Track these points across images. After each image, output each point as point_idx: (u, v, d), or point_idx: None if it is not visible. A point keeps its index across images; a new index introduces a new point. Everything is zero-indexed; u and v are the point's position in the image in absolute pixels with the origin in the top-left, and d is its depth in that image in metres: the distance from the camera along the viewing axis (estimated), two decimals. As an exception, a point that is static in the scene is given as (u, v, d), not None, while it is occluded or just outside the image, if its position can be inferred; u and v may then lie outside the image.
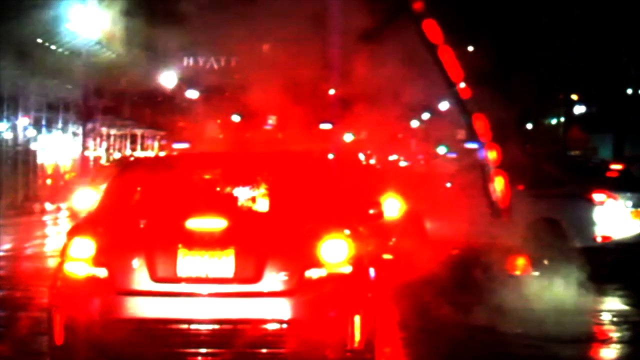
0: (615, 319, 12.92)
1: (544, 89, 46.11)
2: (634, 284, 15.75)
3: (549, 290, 13.62)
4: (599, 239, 16.84)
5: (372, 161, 32.17)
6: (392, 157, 37.65)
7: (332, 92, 31.03)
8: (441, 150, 43.59)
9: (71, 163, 45.98)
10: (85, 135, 44.47)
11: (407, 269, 15.18)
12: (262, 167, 9.36)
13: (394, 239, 16.58)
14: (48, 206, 37.76)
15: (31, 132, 41.64)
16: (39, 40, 37.79)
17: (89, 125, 44.99)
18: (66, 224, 23.37)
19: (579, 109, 51.19)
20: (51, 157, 44.20)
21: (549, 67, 41.82)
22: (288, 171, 9.27)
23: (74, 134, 45.30)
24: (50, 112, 43.08)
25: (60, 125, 44.25)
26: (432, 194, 18.74)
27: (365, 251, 8.32)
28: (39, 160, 42.79)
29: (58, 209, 35.39)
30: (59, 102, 42.85)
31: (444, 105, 48.69)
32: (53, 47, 39.35)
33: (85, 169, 43.30)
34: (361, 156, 28.62)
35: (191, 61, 38.19)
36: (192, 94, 42.24)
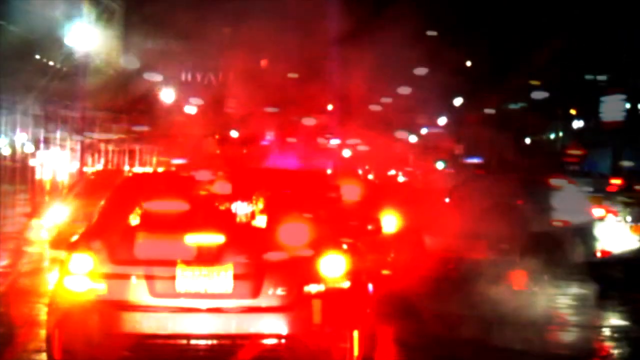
0: (615, 335, 12.89)
1: (541, 102, 46.25)
2: (634, 299, 15.72)
3: (547, 304, 13.60)
4: (598, 254, 16.85)
5: (370, 176, 32.18)
6: (391, 172, 37.67)
7: (330, 108, 31.08)
8: (439, 165, 43.64)
9: (69, 179, 45.94)
10: (83, 151, 44.40)
11: (405, 284, 15.15)
12: (260, 183, 9.33)
13: (392, 255, 16.57)
14: (42, 222, 37.72)
15: (29, 147, 41.62)
16: (37, 57, 37.84)
17: (87, 141, 44.91)
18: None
19: (577, 124, 51.26)
20: (49, 172, 44.20)
21: (547, 81, 41.93)
22: (286, 187, 9.25)
23: (72, 150, 45.30)
24: (48, 128, 43.08)
25: (58, 141, 44.24)
26: (430, 209, 18.73)
27: (363, 266, 8.30)
28: (37, 177, 42.78)
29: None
30: (57, 118, 42.83)
31: (442, 120, 48.94)
32: (51, 63, 39.38)
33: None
34: (359, 172, 28.63)
35: (189, 76, 38.27)
36: (190, 109, 42.27)
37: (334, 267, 7.92)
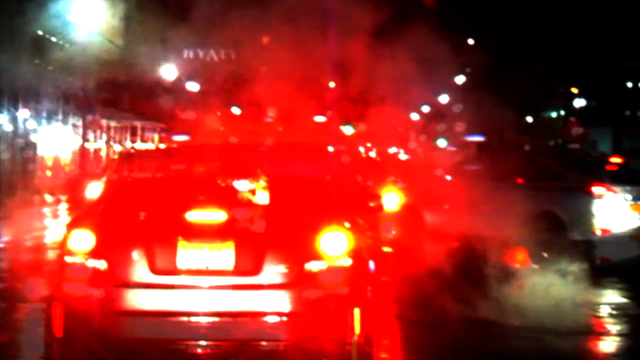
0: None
1: (543, 81, 46.13)
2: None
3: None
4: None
5: (372, 154, 32.27)
6: (392, 150, 37.66)
7: (332, 85, 30.93)
8: (441, 143, 43.65)
9: (71, 155, 46.00)
10: (85, 127, 44.41)
11: (406, 261, 15.20)
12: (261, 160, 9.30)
13: (393, 232, 16.59)
14: (48, 198, 37.88)
15: (31, 124, 41.60)
16: (40, 33, 37.76)
17: (89, 117, 44.85)
18: (67, 216, 23.42)
19: (579, 102, 51.18)
20: (51, 149, 44.19)
21: (549, 60, 41.86)
22: (288, 163, 9.24)
23: (74, 126, 45.26)
24: (51, 104, 42.98)
25: (60, 117, 44.15)
26: (431, 186, 18.84)
27: (365, 244, 8.30)
28: (39, 152, 42.81)
29: (58, 201, 35.51)
30: (59, 94, 42.71)
31: (443, 99, 48.64)
32: (54, 39, 39.32)
33: (85, 161, 43.49)
34: (361, 149, 28.74)
35: (191, 54, 38.04)
36: (193, 86, 42.03)
37: (335, 245, 7.92)
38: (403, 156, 36.05)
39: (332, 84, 28.95)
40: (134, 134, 52.20)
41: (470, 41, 42.78)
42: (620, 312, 12.97)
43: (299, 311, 7.74)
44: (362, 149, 30.31)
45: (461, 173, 19.34)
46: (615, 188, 17.28)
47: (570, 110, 48.86)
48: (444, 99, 47.09)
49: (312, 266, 7.86)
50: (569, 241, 16.73)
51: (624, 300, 14.25)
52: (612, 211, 17.10)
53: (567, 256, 14.65)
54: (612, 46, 41.52)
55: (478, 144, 40.24)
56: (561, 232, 17.12)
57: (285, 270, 7.81)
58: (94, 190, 16.24)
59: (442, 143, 43.57)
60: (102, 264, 7.87)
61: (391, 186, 18.75)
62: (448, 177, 19.69)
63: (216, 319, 7.75)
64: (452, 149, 40.23)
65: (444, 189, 18.95)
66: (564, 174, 18.24)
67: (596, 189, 17.25)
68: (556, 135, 46.34)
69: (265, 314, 7.74)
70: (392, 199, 17.19)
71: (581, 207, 17.30)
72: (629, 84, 46.52)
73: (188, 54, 37.98)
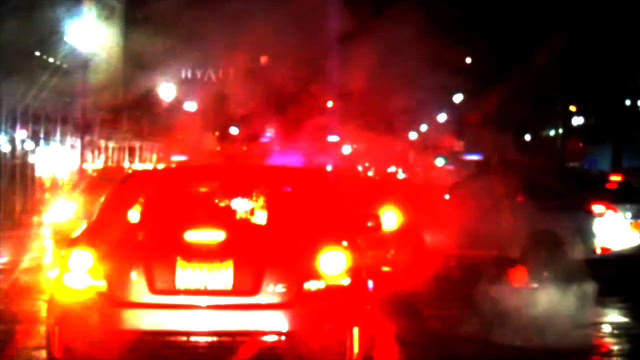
0: (615, 332, 12.87)
1: (541, 99, 46.20)
2: (634, 296, 15.69)
3: (547, 302, 13.56)
4: (598, 251, 16.80)
5: (370, 173, 32.19)
6: (390, 169, 37.71)
7: (330, 104, 30.99)
8: (439, 162, 43.74)
9: (69, 176, 45.95)
10: (83, 147, 44.42)
11: (405, 281, 15.13)
12: (260, 179, 9.29)
13: (392, 251, 16.53)
14: (46, 219, 37.76)
15: (29, 144, 41.60)
16: (37, 54, 37.82)
17: (87, 138, 44.89)
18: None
19: (577, 120, 51.24)
20: (49, 170, 44.18)
21: (547, 77, 41.93)
22: (286, 183, 9.22)
23: (72, 147, 45.29)
24: (48, 125, 43.07)
25: (58, 138, 44.23)
26: (430, 206, 18.70)
27: (364, 263, 8.28)
28: (37, 173, 42.77)
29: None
30: (57, 115, 42.83)
31: (441, 117, 48.92)
32: (51, 60, 39.37)
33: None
34: (359, 168, 28.66)
35: (189, 74, 38.24)
36: (190, 106, 42.19)
37: (334, 264, 7.90)
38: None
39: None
40: (132, 154, 52.39)
41: (468, 60, 42.98)
42: (621, 332, 12.90)
43: (297, 330, 7.74)
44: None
45: (461, 190, 19.18)
46: (616, 206, 17.15)
47: (569, 128, 48.83)
48: (442, 117, 47.23)
49: (310, 285, 7.86)
50: (569, 260, 16.62)
51: (625, 319, 14.18)
52: (612, 230, 16.99)
53: (567, 275, 14.59)
54: (611, 64, 41.52)
55: (477, 162, 40.34)
56: (561, 251, 17.01)
57: (284, 290, 7.81)
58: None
59: (440, 162, 43.70)
60: (101, 284, 7.89)
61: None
62: (447, 196, 19.51)
63: (215, 338, 7.74)
64: (450, 167, 40.32)
65: (442, 206, 18.83)
66: (563, 191, 18.07)
67: (596, 207, 17.11)
68: (555, 153, 46.29)
69: (263, 333, 7.73)
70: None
71: (581, 225, 17.16)
72: (628, 102, 46.52)
73: (186, 74, 38.14)
